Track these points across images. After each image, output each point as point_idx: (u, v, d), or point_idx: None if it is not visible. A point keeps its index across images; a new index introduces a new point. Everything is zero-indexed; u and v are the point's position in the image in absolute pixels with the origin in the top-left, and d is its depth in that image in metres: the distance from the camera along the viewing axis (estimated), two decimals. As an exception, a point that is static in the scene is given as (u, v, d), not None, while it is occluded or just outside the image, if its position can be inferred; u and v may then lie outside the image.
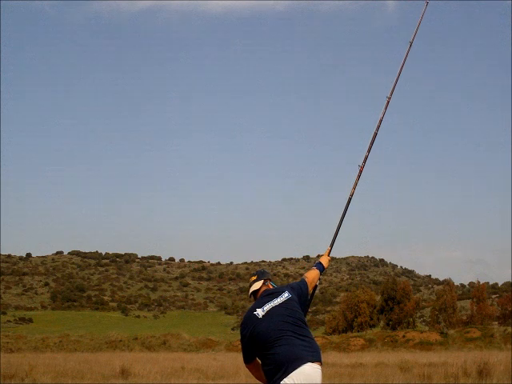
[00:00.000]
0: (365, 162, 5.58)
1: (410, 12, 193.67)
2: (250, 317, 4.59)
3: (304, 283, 4.94)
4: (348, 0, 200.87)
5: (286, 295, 4.67)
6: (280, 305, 4.58)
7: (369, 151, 5.61)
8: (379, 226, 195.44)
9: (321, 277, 5.23)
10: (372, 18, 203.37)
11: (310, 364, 4.35)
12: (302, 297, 4.82)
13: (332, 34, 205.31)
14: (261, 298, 4.71)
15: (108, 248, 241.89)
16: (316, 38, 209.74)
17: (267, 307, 4.57)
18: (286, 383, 4.30)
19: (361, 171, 5.56)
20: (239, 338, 4.72)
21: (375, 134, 5.68)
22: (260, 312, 4.55)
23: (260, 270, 4.97)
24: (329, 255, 5.36)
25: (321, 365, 4.45)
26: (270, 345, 4.42)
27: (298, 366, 4.31)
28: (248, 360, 4.69)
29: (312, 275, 5.10)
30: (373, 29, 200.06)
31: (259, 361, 4.67)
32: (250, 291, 4.82)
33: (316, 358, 4.41)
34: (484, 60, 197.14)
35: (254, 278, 4.87)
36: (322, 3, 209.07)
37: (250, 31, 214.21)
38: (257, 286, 4.80)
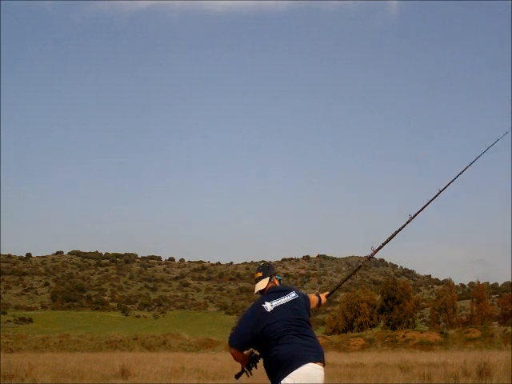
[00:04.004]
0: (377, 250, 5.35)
1: (413, 12, 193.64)
2: (258, 307, 4.53)
3: (308, 298, 4.86)
4: (350, 0, 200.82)
5: (293, 294, 4.63)
6: (286, 304, 4.54)
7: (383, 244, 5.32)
8: (379, 225, 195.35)
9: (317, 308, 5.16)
10: (373, 18, 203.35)
11: (311, 364, 4.31)
12: (307, 306, 4.76)
13: (333, 33, 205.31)
14: (268, 293, 4.65)
15: (108, 248, 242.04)
16: (317, 37, 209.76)
17: (275, 303, 4.52)
18: (287, 383, 4.28)
19: (372, 255, 5.35)
20: (235, 335, 4.59)
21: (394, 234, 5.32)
22: (268, 306, 4.51)
23: (265, 266, 4.85)
24: (326, 297, 5.24)
25: (323, 365, 4.41)
26: (273, 342, 4.39)
27: (299, 365, 4.28)
28: (241, 347, 4.56)
29: (313, 298, 5.02)
30: (374, 28, 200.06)
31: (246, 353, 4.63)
32: (257, 290, 4.74)
33: (318, 359, 4.38)
34: (484, 60, 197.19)
35: (260, 274, 4.75)
36: (323, 3, 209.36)
37: (251, 31, 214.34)
38: (263, 284, 4.71)
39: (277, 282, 4.78)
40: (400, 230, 5.30)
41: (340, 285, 5.50)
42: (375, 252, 5.32)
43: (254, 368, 4.72)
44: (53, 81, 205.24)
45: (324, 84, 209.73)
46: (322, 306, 5.16)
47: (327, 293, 5.27)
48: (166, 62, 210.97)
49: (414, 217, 5.30)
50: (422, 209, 5.36)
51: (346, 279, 5.64)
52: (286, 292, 4.64)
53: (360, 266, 5.49)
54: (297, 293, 4.68)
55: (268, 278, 4.73)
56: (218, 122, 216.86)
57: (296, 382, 4.26)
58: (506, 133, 5.78)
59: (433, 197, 5.43)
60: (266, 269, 4.80)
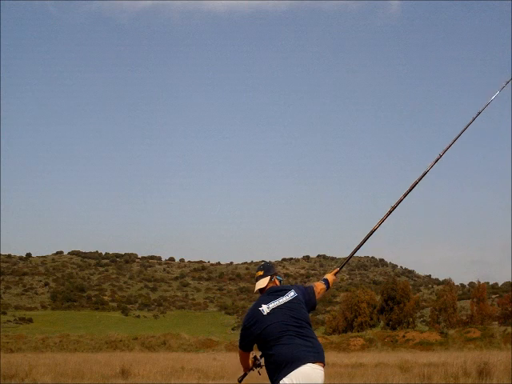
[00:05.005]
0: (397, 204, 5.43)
1: (414, 12, 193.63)
2: (254, 311, 4.56)
3: (312, 290, 4.84)
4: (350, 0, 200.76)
5: (291, 294, 4.62)
6: (285, 304, 4.54)
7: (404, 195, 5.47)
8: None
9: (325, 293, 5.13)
10: (374, 18, 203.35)
11: (310, 365, 4.31)
12: (310, 301, 4.75)
13: (334, 33, 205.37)
14: (267, 294, 4.65)
15: (108, 248, 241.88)
16: (319, 37, 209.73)
17: (272, 305, 4.52)
18: (286, 383, 4.28)
19: (390, 211, 5.40)
20: (239, 337, 4.71)
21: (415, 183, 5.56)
22: (265, 308, 4.51)
23: (266, 265, 4.85)
24: (335, 275, 5.18)
25: (323, 366, 4.40)
26: (272, 343, 4.41)
27: (298, 366, 4.28)
28: (245, 348, 4.69)
29: (320, 287, 4.97)
30: (375, 28, 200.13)
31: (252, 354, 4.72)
32: (257, 288, 4.74)
33: (318, 359, 4.37)
34: (484, 60, 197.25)
35: (261, 273, 4.76)
36: (324, 3, 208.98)
37: (252, 31, 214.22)
38: (263, 283, 4.71)
39: (277, 283, 4.77)
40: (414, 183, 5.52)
41: (349, 258, 5.30)
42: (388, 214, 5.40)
43: (259, 368, 4.79)
44: (53, 80, 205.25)
45: (324, 84, 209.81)
46: (331, 288, 5.12)
47: (336, 269, 5.20)
48: (166, 62, 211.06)
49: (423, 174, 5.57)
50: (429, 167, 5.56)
51: (356, 250, 5.20)
52: (284, 292, 4.63)
53: (373, 232, 5.30)
54: (296, 291, 4.67)
55: (269, 278, 4.72)
56: (218, 121, 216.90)
57: (295, 382, 4.26)
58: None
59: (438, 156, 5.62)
60: (268, 268, 4.80)
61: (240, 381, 5.02)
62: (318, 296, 4.88)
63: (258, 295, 4.77)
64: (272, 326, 4.43)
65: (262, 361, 4.69)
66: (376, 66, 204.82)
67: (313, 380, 4.29)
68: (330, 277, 5.12)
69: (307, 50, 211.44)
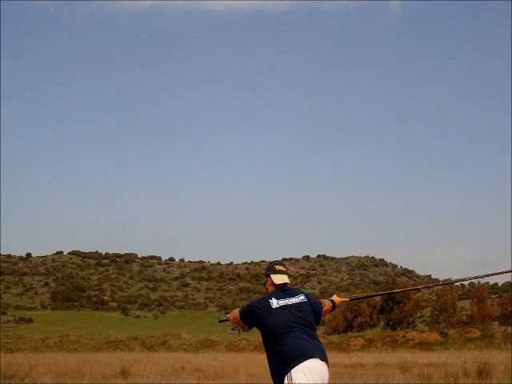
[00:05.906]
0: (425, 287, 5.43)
1: (414, 12, 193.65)
2: (264, 300, 4.58)
3: (320, 305, 4.84)
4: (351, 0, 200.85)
5: (301, 297, 4.65)
6: (294, 305, 4.57)
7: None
8: (379, 225, 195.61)
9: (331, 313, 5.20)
10: (374, 18, 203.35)
11: (318, 361, 4.35)
12: (317, 312, 4.73)
13: (335, 33, 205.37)
14: (279, 291, 4.66)
15: (108, 248, 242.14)
16: (319, 37, 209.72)
17: (282, 302, 4.55)
18: (296, 375, 4.27)
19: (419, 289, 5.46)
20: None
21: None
22: (275, 303, 4.54)
23: (286, 265, 4.86)
24: (343, 302, 5.20)
25: (328, 366, 4.45)
26: (279, 338, 4.42)
27: (307, 359, 4.31)
28: (244, 321, 4.70)
29: (327, 306, 4.98)
30: (375, 28, 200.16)
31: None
32: (280, 281, 4.68)
33: (324, 357, 4.43)
34: (485, 60, 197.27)
35: (283, 268, 4.76)
36: (324, 3, 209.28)
37: (252, 31, 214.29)
38: (285, 279, 4.72)
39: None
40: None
41: (362, 297, 5.53)
42: (427, 287, 5.43)
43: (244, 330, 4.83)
44: (53, 80, 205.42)
45: (324, 84, 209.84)
46: (336, 309, 5.17)
47: (346, 299, 5.24)
48: (166, 62, 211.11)
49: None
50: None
51: (380, 294, 5.58)
52: (295, 294, 4.67)
53: (392, 292, 5.47)
54: (306, 296, 4.71)
55: (287, 278, 4.77)
56: (219, 121, 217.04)
57: (306, 373, 4.27)
58: None
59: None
60: (286, 268, 4.84)
61: (219, 321, 5.28)
62: (323, 313, 4.92)
63: (259, 296, 4.78)
64: (279, 322, 4.45)
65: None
66: (376, 65, 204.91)
67: (321, 376, 4.32)
68: (337, 299, 5.13)
69: (307, 50, 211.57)
